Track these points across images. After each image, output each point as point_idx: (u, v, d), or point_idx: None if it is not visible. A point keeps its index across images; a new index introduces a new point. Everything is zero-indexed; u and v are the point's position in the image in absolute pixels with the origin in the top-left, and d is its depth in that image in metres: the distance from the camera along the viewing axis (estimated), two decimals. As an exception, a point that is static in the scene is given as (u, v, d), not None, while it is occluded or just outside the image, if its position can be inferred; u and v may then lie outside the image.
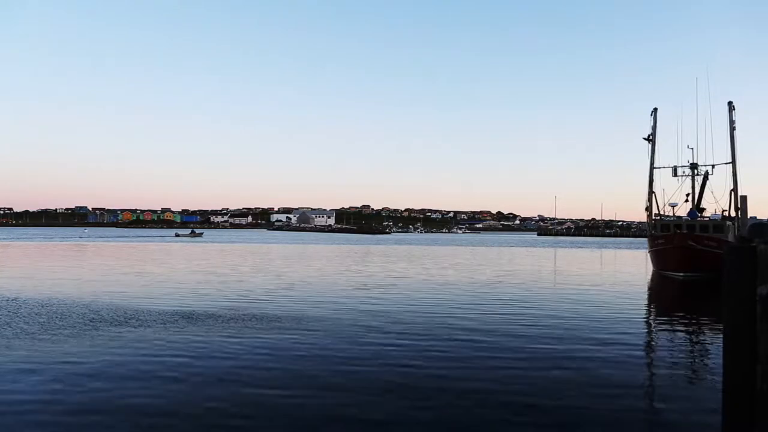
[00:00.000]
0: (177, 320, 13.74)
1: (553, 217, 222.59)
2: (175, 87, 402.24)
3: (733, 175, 33.61)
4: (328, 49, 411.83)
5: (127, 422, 6.87)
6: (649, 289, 24.90)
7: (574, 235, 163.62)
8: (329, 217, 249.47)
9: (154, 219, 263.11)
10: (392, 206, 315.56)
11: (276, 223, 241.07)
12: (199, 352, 10.44)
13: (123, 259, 39.42)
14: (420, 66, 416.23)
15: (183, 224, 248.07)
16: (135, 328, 12.73)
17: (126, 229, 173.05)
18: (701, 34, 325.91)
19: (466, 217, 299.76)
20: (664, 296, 22.84)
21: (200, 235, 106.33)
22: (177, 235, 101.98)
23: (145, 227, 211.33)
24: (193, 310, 15.26)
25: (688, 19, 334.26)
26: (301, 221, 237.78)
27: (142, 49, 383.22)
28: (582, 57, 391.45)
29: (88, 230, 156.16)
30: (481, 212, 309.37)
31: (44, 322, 13.33)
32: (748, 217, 31.19)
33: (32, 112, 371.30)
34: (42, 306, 15.77)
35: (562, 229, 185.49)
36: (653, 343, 12.70)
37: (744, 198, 31.08)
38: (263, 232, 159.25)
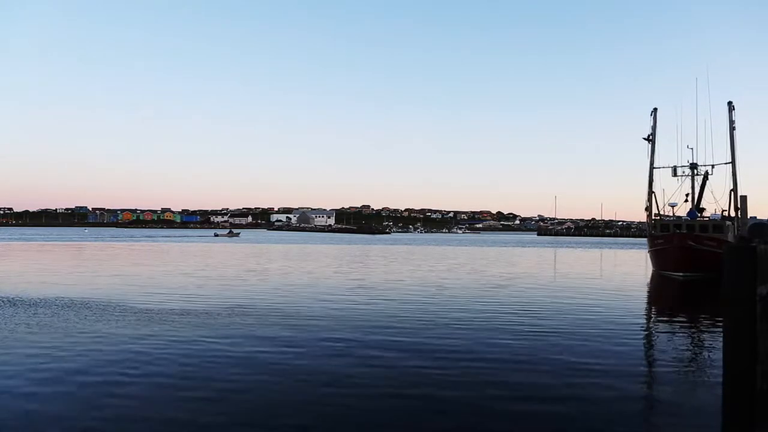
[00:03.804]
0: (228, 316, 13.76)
1: (553, 217, 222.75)
2: (176, 87, 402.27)
3: (732, 175, 33.64)
4: (328, 49, 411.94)
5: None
6: (649, 289, 24.91)
7: (574, 235, 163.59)
8: (329, 217, 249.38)
9: (154, 219, 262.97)
10: (392, 206, 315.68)
11: (276, 223, 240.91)
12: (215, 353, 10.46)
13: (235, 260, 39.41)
14: (420, 66, 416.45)
15: (183, 224, 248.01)
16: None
17: (161, 230, 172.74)
18: (701, 34, 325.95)
19: (466, 217, 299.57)
20: (664, 296, 22.85)
21: (237, 235, 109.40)
22: (216, 235, 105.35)
23: (145, 227, 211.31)
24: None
25: (688, 19, 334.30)
26: (301, 221, 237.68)
27: (142, 50, 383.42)
28: (582, 57, 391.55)
29: (88, 230, 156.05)
30: (481, 212, 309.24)
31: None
32: (748, 217, 31.18)
33: (32, 112, 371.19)
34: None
35: (562, 229, 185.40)
36: (653, 343, 12.71)
37: (744, 198, 31.06)
38: (264, 232, 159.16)
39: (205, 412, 7.25)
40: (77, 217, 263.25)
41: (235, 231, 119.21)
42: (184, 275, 26.46)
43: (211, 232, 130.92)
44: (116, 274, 26.89)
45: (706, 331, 13.86)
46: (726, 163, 34.22)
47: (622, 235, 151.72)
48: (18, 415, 7.12)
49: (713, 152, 50.07)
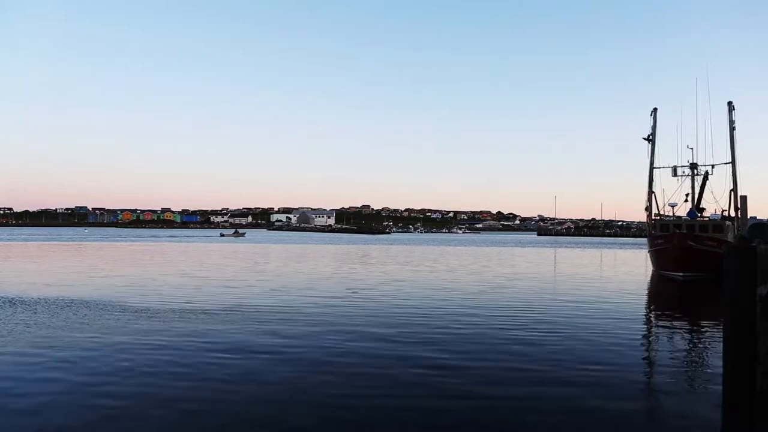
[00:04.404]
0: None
1: (553, 217, 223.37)
2: (175, 87, 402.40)
3: (732, 175, 33.64)
4: (327, 49, 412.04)
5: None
6: (649, 289, 24.89)
7: (574, 235, 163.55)
8: (329, 217, 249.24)
9: (154, 219, 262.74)
10: (392, 206, 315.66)
11: (276, 223, 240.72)
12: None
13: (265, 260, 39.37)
14: (420, 66, 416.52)
15: (183, 224, 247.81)
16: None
17: (166, 230, 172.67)
18: (701, 34, 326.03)
19: (466, 217, 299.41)
20: (664, 296, 22.83)
21: (243, 235, 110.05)
22: (222, 235, 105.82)
23: (145, 227, 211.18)
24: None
25: (689, 19, 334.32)
26: (301, 221, 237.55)
27: (142, 50, 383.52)
28: (582, 57, 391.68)
29: (88, 230, 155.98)
30: (481, 212, 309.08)
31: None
32: (748, 217, 31.15)
33: (32, 112, 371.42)
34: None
35: (562, 229, 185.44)
36: (653, 343, 12.70)
37: (744, 198, 31.03)
38: (264, 232, 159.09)
39: (201, 414, 7.25)
40: (77, 217, 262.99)
41: (240, 231, 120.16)
42: (191, 275, 26.44)
43: (215, 232, 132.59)
44: (127, 274, 26.86)
45: (706, 331, 13.85)
46: (726, 163, 34.24)
47: (622, 235, 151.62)
48: (11, 416, 7.12)
49: (713, 152, 50.19)
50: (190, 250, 53.03)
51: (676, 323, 15.33)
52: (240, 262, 37.23)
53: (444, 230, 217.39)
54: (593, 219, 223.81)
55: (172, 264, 34.39)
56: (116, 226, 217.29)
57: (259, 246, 66.21)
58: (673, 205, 34.75)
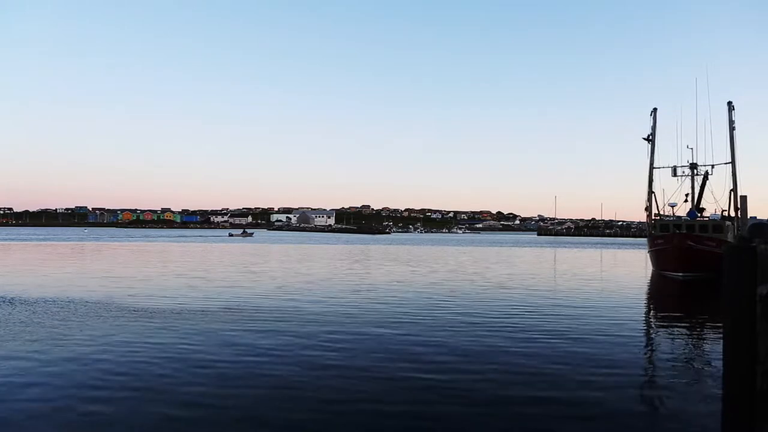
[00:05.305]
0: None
1: (553, 217, 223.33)
2: (175, 87, 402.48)
3: (732, 175, 33.61)
4: (327, 49, 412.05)
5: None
6: (649, 289, 24.87)
7: (574, 235, 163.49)
8: (329, 217, 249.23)
9: (154, 219, 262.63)
10: (392, 206, 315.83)
11: (276, 223, 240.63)
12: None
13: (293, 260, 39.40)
14: (421, 66, 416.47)
15: (183, 224, 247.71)
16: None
17: (174, 230, 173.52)
18: (701, 34, 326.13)
19: (466, 217, 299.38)
20: (664, 296, 22.82)
21: (251, 235, 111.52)
22: (230, 235, 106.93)
23: (145, 227, 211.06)
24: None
25: (688, 19, 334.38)
26: (301, 221, 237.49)
27: (142, 50, 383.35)
28: (582, 57, 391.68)
29: (88, 230, 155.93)
30: (481, 212, 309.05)
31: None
32: (748, 217, 31.11)
33: (32, 112, 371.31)
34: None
35: (562, 229, 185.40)
36: (653, 343, 12.68)
37: (744, 198, 30.96)
38: (264, 232, 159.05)
39: (199, 414, 7.24)
40: (77, 217, 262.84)
41: (248, 231, 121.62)
42: (203, 274, 26.44)
43: (224, 232, 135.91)
44: (150, 275, 26.85)
45: (706, 332, 13.84)
46: (726, 163, 34.21)
47: (622, 235, 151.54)
48: (8, 416, 7.11)
49: (713, 152, 50.08)
50: (212, 250, 53.05)
51: (676, 323, 15.31)
52: (246, 261, 37.22)
53: (444, 230, 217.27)
54: (593, 219, 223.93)
55: (197, 263, 34.39)
56: (116, 226, 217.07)
57: (264, 246, 66.20)
58: (673, 205, 34.75)
